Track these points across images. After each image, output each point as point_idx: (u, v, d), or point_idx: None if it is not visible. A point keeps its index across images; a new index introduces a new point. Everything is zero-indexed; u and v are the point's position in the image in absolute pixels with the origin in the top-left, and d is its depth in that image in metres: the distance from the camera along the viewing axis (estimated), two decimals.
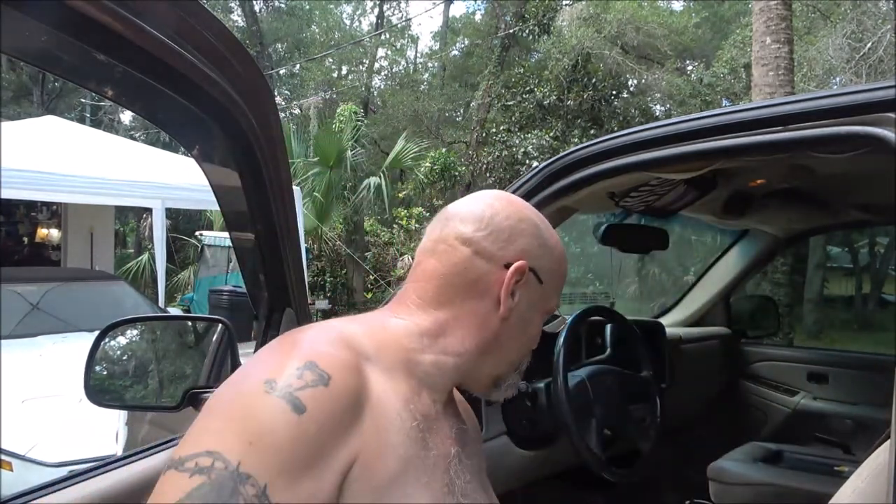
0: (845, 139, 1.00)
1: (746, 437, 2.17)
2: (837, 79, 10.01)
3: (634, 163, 1.24)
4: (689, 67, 16.07)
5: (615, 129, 10.71)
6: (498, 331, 0.79)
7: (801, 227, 2.48)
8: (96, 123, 15.35)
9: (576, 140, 11.39)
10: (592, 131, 11.75)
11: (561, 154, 1.38)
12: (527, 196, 1.39)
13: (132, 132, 15.33)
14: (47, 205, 10.15)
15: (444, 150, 13.02)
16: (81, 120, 15.35)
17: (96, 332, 1.15)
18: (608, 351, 1.83)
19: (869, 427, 2.31)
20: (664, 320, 2.53)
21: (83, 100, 16.76)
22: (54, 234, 10.26)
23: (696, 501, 2.14)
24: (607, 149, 1.28)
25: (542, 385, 1.65)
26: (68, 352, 3.80)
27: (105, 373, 1.23)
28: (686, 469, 2.14)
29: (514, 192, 1.41)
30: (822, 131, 1.04)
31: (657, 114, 14.00)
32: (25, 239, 10.68)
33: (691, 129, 1.18)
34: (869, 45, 9.04)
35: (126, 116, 17.04)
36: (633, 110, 13.07)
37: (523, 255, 0.79)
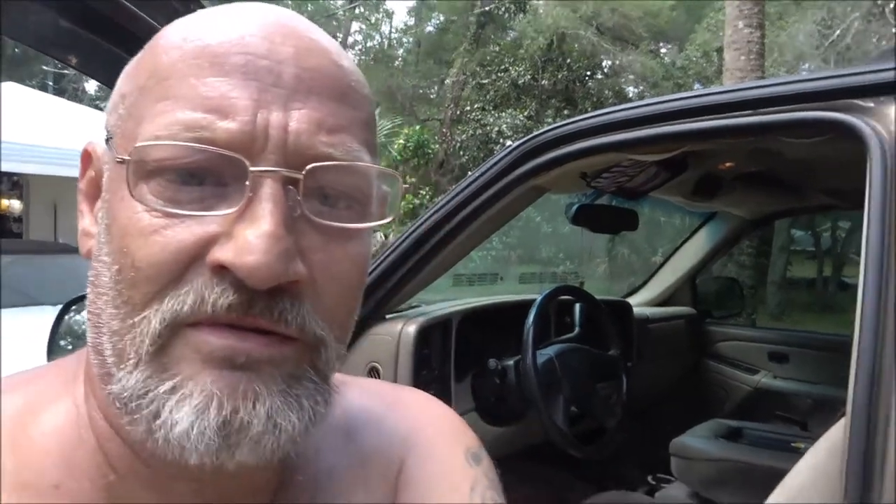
0: (813, 124, 1.02)
1: (709, 415, 2.23)
2: (806, 65, 10.16)
3: (606, 143, 1.24)
4: (663, 50, 16.16)
5: (588, 109, 10.74)
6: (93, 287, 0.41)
7: (768, 209, 2.52)
8: (59, 92, 14.89)
9: (549, 120, 11.41)
10: (566, 111, 11.78)
11: (534, 133, 1.38)
12: (499, 175, 1.39)
13: (97, 102, 14.92)
14: (8, 175, 9.86)
15: (417, 127, 12.94)
16: (43, 88, 14.87)
17: (60, 307, 1.13)
18: (577, 330, 1.85)
19: (826, 405, 2.39)
20: (632, 300, 2.57)
21: (45, 67, 16.22)
22: (16, 205, 9.98)
23: (658, 476, 2.20)
24: (580, 129, 1.28)
25: (511, 362, 1.67)
26: (31, 326, 3.72)
27: (70, 348, 1.21)
28: (650, 445, 2.20)
29: (486, 171, 1.41)
30: (791, 116, 1.05)
31: (630, 95, 14.07)
32: None
33: (663, 112, 1.19)
34: (838, 31, 9.18)
35: (91, 86, 16.56)
36: (606, 91, 13.12)
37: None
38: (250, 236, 0.34)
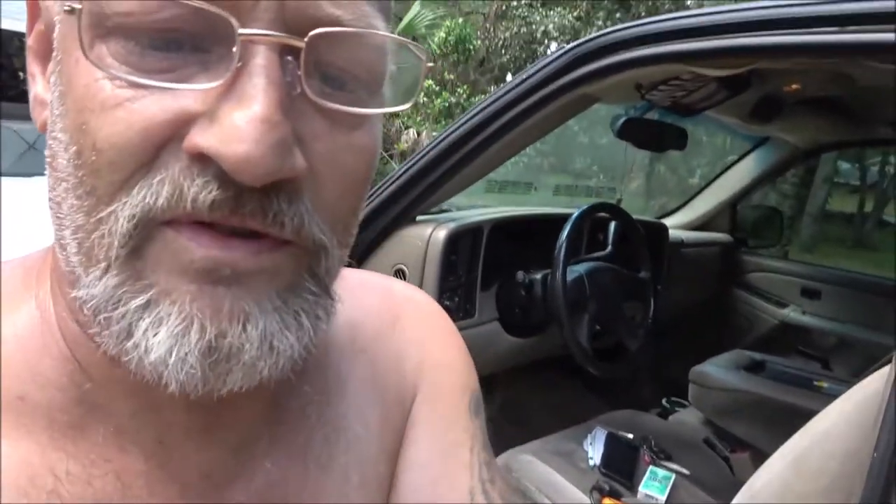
0: None
1: (731, 345, 2.20)
2: None
3: (671, 53, 1.13)
4: None
5: (642, 14, 10.15)
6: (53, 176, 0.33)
7: (825, 139, 2.38)
8: None
9: (600, 23, 10.84)
10: (618, 15, 11.15)
11: (591, 35, 1.27)
12: (548, 80, 1.29)
13: None
14: None
15: (460, 20, 12.38)
16: None
17: None
18: (609, 248, 1.81)
19: (851, 345, 2.35)
20: (668, 221, 2.49)
21: None
22: None
23: (673, 400, 2.21)
24: (642, 34, 1.17)
25: (538, 276, 1.64)
26: None
27: None
28: (669, 369, 2.19)
29: (534, 74, 1.31)
30: (883, 37, 0.94)
31: (689, 2, 13.22)
32: (21, 73, 10.37)
33: (738, 21, 1.07)
34: None
35: None
36: None
37: None
38: (239, 120, 0.27)
